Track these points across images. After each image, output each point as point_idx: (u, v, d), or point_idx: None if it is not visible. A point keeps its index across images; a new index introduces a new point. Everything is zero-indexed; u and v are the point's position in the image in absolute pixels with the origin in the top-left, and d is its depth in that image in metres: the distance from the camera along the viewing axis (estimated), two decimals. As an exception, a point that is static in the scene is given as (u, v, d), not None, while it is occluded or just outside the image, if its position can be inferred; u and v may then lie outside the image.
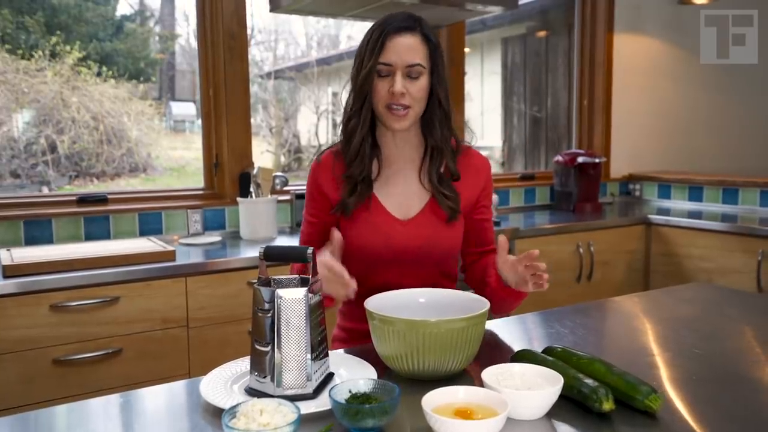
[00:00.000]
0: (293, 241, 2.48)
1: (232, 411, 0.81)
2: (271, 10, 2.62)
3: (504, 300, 1.29)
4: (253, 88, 3.52)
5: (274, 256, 1.02)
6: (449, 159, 1.34)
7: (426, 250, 1.33)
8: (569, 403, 0.94)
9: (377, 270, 1.34)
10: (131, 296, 1.93)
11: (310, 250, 1.00)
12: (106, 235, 2.40)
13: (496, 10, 2.70)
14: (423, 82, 1.28)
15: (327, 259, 1.14)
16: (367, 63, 1.27)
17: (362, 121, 1.31)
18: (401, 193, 1.36)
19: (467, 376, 1.07)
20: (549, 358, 1.01)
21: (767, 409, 0.96)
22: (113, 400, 1.01)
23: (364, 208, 1.34)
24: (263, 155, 3.46)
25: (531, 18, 4.07)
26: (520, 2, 2.83)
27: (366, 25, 3.46)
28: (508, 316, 1.47)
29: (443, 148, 1.33)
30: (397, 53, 1.25)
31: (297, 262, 1.13)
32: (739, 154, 4.13)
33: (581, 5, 3.69)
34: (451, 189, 1.34)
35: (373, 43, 1.27)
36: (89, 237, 2.37)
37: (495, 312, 1.31)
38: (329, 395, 0.85)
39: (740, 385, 1.04)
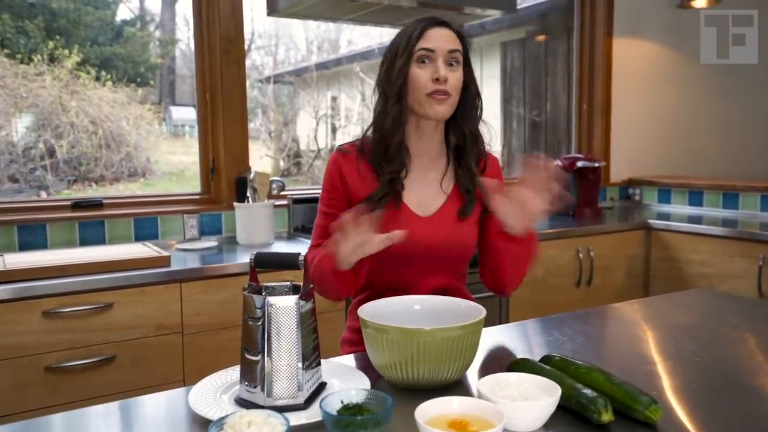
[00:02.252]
0: (290, 247, 2.46)
1: (219, 423, 0.79)
2: (268, 14, 2.62)
3: (515, 252, 1.27)
4: (253, 93, 3.51)
5: (265, 263, 1.00)
6: (483, 148, 1.36)
7: (447, 248, 1.32)
8: (567, 414, 0.92)
9: (395, 268, 1.32)
10: (125, 302, 1.91)
11: (301, 257, 0.98)
12: (101, 240, 2.38)
13: (494, 13, 2.69)
14: (460, 72, 1.29)
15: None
16: (405, 52, 1.27)
17: (401, 115, 1.29)
18: (421, 190, 1.35)
19: (463, 385, 1.05)
20: (546, 367, 0.99)
21: (770, 420, 0.94)
22: (100, 410, 0.99)
23: (387, 205, 1.32)
24: (262, 160, 3.44)
25: (530, 22, 4.06)
26: (519, 6, 2.82)
27: (363, 29, 3.46)
28: (507, 321, 1.44)
29: (478, 136, 1.35)
30: (439, 40, 1.27)
31: (288, 269, 1.11)
32: (739, 158, 4.10)
33: (580, 9, 3.68)
34: (476, 179, 1.35)
35: (411, 33, 1.27)
36: (84, 242, 2.35)
37: (511, 278, 1.31)
38: (320, 406, 0.83)
39: (742, 393, 1.01)
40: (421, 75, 1.26)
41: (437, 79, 1.25)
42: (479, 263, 1.43)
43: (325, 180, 1.38)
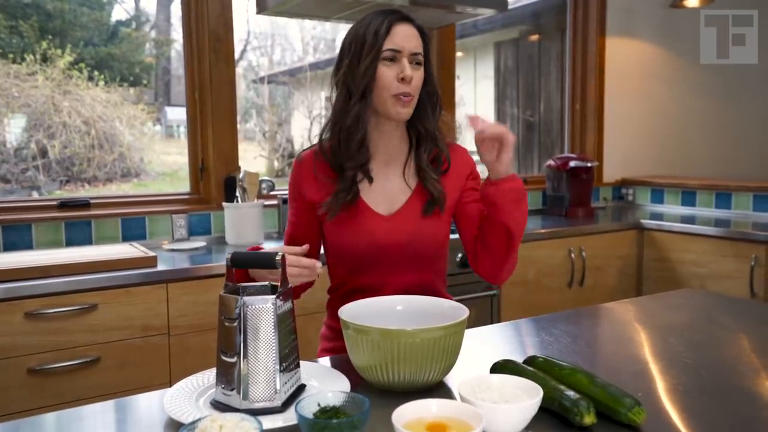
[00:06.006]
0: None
1: (191, 426, 0.76)
2: (258, 12, 2.59)
3: (508, 212, 1.22)
4: (249, 93, 3.49)
5: (241, 262, 0.98)
6: (441, 145, 1.34)
7: (412, 247, 1.29)
8: (549, 416, 0.90)
9: (363, 269, 1.30)
10: (110, 303, 1.88)
11: (278, 256, 0.95)
12: (87, 241, 2.35)
13: (486, 12, 2.67)
14: (422, 72, 1.29)
15: (293, 256, 1.13)
16: (372, 49, 1.24)
17: (364, 112, 1.27)
18: (384, 188, 1.33)
19: (445, 387, 1.02)
20: (529, 368, 0.97)
21: (758, 422, 0.92)
22: (73, 413, 0.97)
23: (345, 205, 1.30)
24: (256, 160, 3.42)
25: (523, 22, 4.04)
26: (511, 6, 2.80)
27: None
28: (500, 321, 1.42)
29: (436, 134, 1.33)
30: (404, 39, 1.25)
31: (265, 269, 1.09)
32: (732, 158, 4.10)
33: (573, 9, 3.67)
34: (437, 175, 1.33)
35: (377, 29, 1.24)
36: (70, 242, 2.32)
37: (506, 251, 1.27)
38: (295, 409, 0.80)
39: (731, 396, 1.00)
40: (387, 73, 1.24)
41: (403, 79, 1.23)
42: (469, 255, 1.40)
43: (288, 189, 1.39)
